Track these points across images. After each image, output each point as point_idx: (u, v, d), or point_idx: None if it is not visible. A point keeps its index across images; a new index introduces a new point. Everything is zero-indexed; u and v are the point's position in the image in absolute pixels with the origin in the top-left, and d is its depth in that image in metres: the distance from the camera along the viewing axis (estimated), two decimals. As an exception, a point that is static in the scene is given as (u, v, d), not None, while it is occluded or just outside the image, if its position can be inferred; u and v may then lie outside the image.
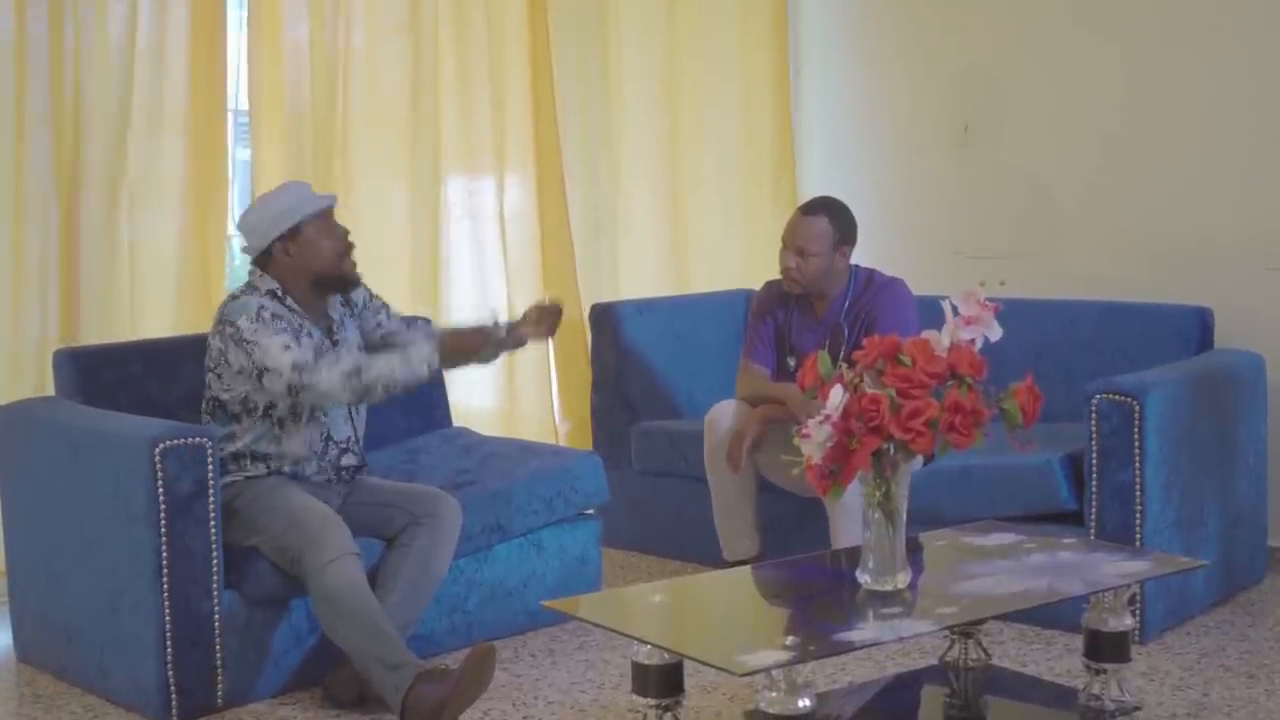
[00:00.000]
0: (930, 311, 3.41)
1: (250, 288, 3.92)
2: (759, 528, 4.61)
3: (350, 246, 3.98)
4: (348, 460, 4.03)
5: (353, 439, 4.05)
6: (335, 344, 3.97)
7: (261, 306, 3.83)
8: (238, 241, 3.98)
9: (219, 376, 3.88)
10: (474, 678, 3.54)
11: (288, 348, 3.77)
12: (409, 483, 4.17)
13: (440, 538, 3.90)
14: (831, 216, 4.52)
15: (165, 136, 4.83)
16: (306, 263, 3.90)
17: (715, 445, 4.56)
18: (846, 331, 4.48)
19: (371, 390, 3.82)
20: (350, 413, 4.04)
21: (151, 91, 4.79)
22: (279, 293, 3.90)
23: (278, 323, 3.81)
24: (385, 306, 4.21)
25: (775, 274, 4.66)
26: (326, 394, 3.79)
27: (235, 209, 5.08)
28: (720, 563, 4.61)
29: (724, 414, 4.57)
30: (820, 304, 4.59)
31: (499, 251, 5.56)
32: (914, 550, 3.43)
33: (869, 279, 4.57)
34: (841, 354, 4.25)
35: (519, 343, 4.12)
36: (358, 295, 4.11)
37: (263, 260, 3.93)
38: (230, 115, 5.04)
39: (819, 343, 4.45)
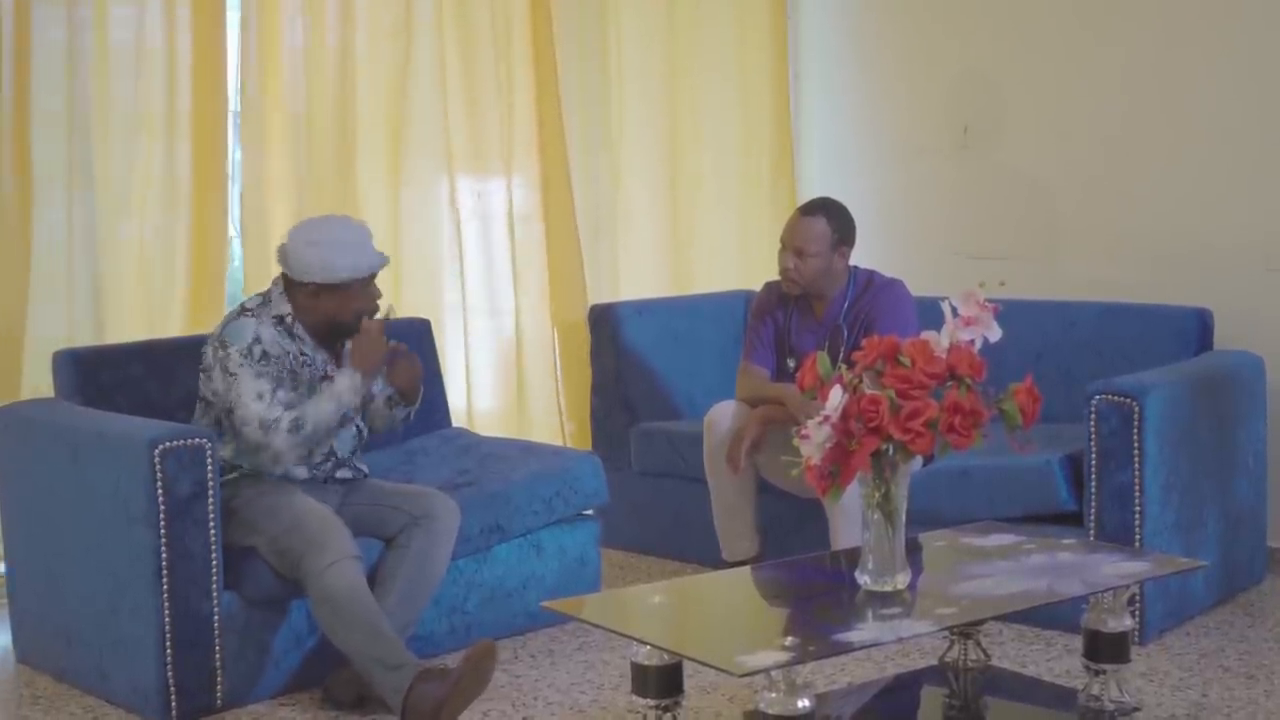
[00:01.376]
0: (930, 312, 3.41)
1: (262, 305, 3.91)
2: (758, 529, 4.61)
3: (375, 309, 3.98)
4: (342, 474, 4.03)
5: (356, 452, 4.06)
6: (341, 368, 3.97)
7: (257, 339, 3.82)
8: (278, 252, 3.96)
9: (209, 379, 3.89)
10: (473, 676, 3.54)
11: (260, 397, 3.78)
12: (407, 483, 4.18)
13: (438, 539, 3.90)
14: (830, 217, 4.52)
15: (166, 138, 4.82)
16: (330, 312, 3.91)
17: (715, 446, 4.56)
18: (846, 332, 4.49)
19: (316, 439, 3.84)
20: (358, 428, 4.05)
21: (152, 93, 4.79)
22: (289, 319, 3.90)
23: (265, 363, 3.81)
24: None
25: (774, 275, 4.67)
26: (279, 455, 3.79)
27: (235, 210, 5.08)
28: (720, 563, 4.61)
29: (723, 415, 4.57)
30: (820, 305, 4.59)
31: (506, 252, 5.55)
32: (913, 551, 3.43)
33: (869, 280, 4.58)
34: (841, 355, 4.25)
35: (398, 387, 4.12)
36: None
37: (290, 282, 3.92)
38: (230, 116, 5.03)
39: (818, 344, 4.45)
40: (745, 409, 4.56)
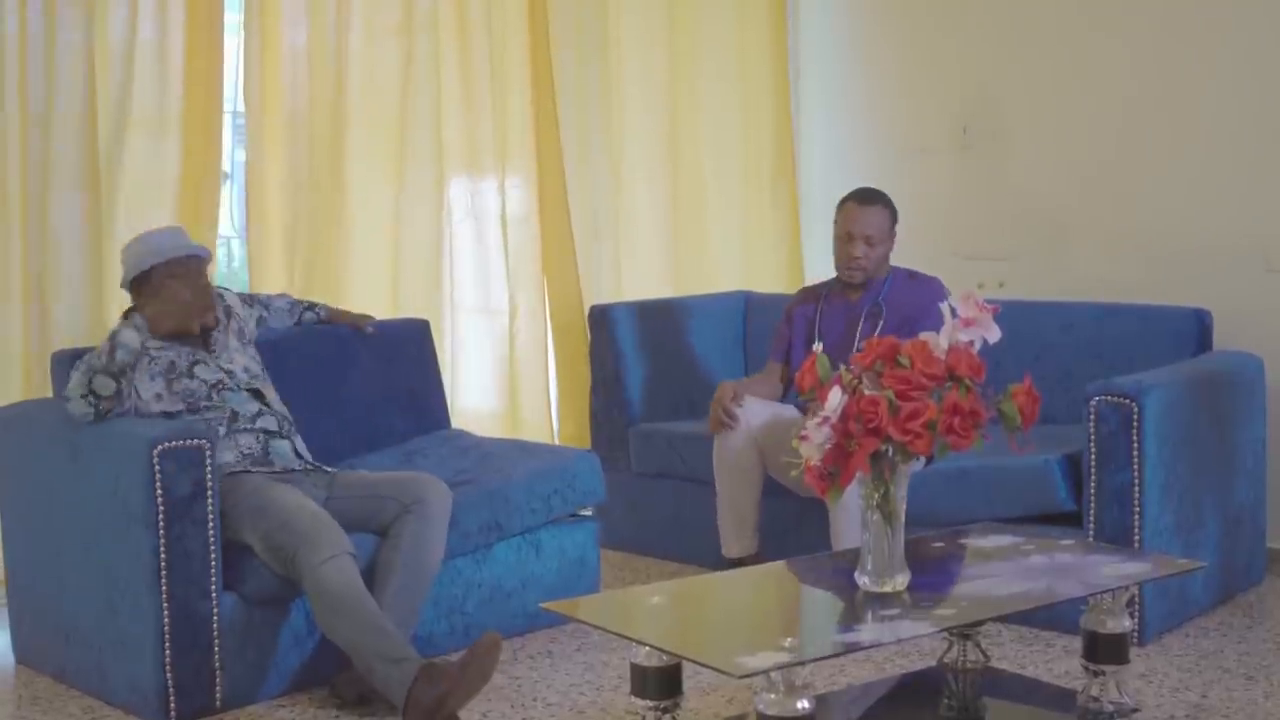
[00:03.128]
0: (929, 313, 3.40)
1: (131, 313, 3.99)
2: (759, 528, 4.62)
3: (206, 306, 4.06)
4: (280, 447, 4.05)
5: (281, 421, 4.11)
6: (212, 352, 4.08)
7: (114, 336, 3.88)
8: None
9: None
10: (476, 668, 3.53)
11: (76, 369, 3.86)
12: (395, 471, 4.19)
13: (430, 523, 3.90)
14: (885, 204, 4.66)
15: (161, 137, 4.82)
16: (156, 313, 3.96)
17: (723, 447, 4.56)
18: (885, 311, 4.58)
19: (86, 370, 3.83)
20: (262, 407, 4.09)
21: (148, 92, 4.79)
22: (145, 328, 3.95)
23: (111, 357, 3.84)
24: (265, 305, 4.47)
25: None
26: (66, 393, 3.83)
27: (231, 210, 5.09)
28: (718, 563, 4.61)
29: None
30: (855, 293, 4.64)
31: (501, 253, 5.55)
32: (912, 552, 3.43)
33: (910, 274, 4.68)
34: (876, 333, 4.30)
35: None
36: (232, 303, 4.30)
37: (132, 297, 4.06)
38: (228, 116, 5.04)
39: (848, 324, 4.52)
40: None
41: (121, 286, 4.10)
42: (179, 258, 4.03)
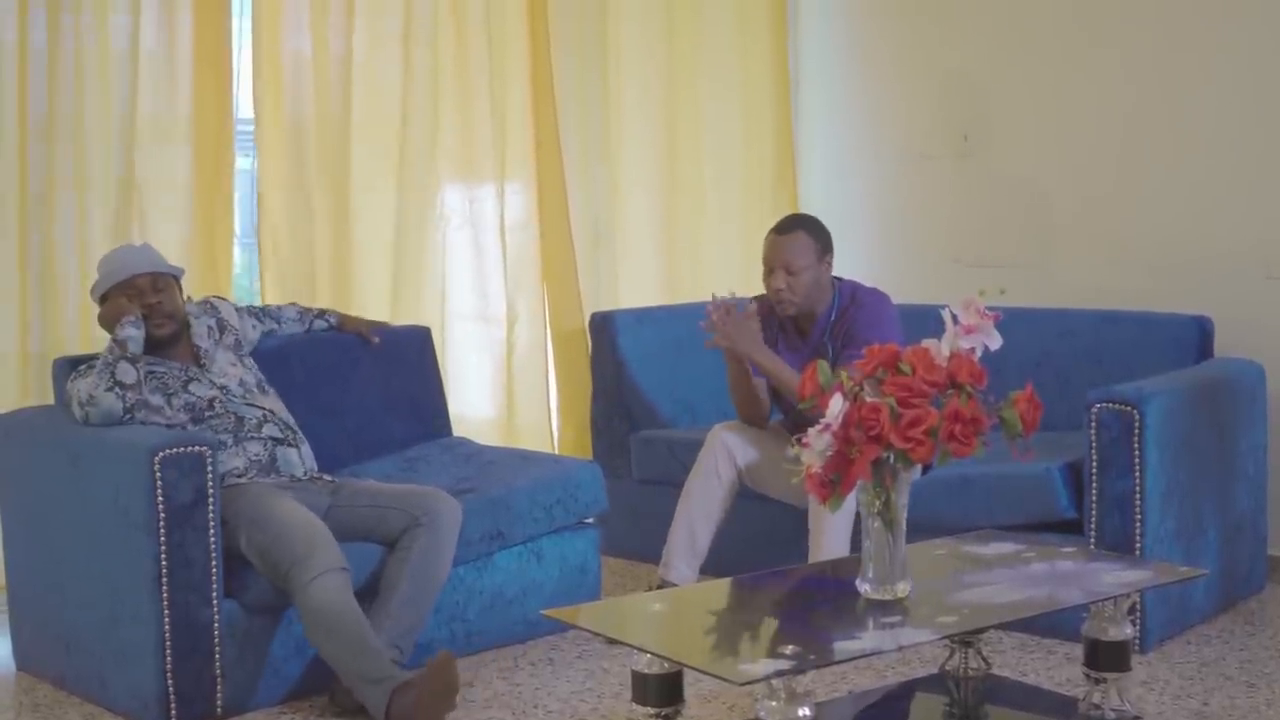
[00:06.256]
0: (929, 320, 3.40)
1: (110, 352, 3.97)
2: (703, 563, 4.50)
3: (152, 307, 4.05)
4: (287, 455, 4.07)
5: (285, 429, 4.12)
6: (203, 366, 4.11)
7: (116, 333, 3.93)
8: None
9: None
10: (437, 682, 3.57)
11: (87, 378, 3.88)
12: (405, 483, 4.19)
13: (440, 538, 3.90)
14: (807, 230, 4.47)
15: (172, 145, 4.84)
16: (111, 321, 3.99)
17: (705, 464, 4.51)
18: (830, 350, 4.44)
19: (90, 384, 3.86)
20: (265, 414, 4.10)
21: (158, 99, 4.80)
22: (128, 347, 3.95)
23: (103, 372, 3.87)
24: (276, 319, 4.52)
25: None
26: (73, 390, 3.86)
27: (238, 218, 5.10)
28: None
29: (727, 435, 4.53)
30: (806, 323, 4.54)
31: (500, 260, 5.56)
32: (914, 559, 3.42)
33: (853, 295, 4.51)
34: None
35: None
36: (227, 316, 4.30)
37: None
38: (236, 124, 5.05)
39: (802, 364, 4.43)
40: (751, 430, 4.54)
41: (91, 297, 4.14)
42: (121, 281, 4.05)
